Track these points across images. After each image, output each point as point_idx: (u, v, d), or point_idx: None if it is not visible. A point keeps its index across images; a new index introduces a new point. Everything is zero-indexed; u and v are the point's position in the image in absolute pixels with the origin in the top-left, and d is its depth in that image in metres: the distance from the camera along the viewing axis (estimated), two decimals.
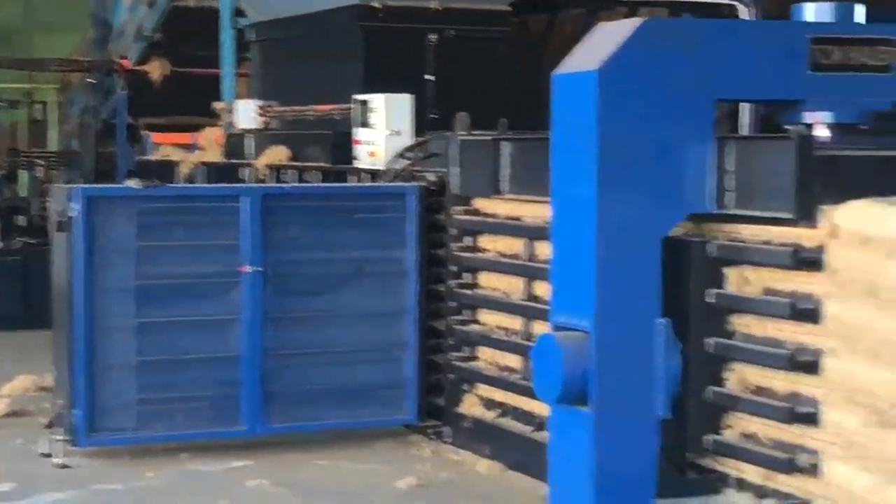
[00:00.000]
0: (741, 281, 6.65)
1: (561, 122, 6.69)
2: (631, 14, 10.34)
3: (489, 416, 8.43)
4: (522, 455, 7.78)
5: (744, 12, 10.56)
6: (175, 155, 12.62)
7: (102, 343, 8.18)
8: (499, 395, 8.37)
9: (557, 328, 6.67)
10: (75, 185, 9.15)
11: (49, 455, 8.20)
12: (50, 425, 8.46)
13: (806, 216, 6.24)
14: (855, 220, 6.05)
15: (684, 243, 6.74)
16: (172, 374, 8.35)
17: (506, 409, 8.29)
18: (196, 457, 8.28)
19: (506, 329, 8.37)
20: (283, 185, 10.31)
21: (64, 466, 8.07)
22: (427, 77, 10.38)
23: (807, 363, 6.25)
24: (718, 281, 6.71)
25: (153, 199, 8.49)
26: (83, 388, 8.10)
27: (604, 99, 6.36)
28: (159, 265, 8.33)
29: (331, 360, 8.70)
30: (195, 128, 13.07)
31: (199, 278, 8.42)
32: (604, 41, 6.59)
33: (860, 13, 7.17)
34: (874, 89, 6.87)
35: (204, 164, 12.08)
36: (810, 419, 6.24)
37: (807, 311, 6.24)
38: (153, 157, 13.24)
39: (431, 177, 9.02)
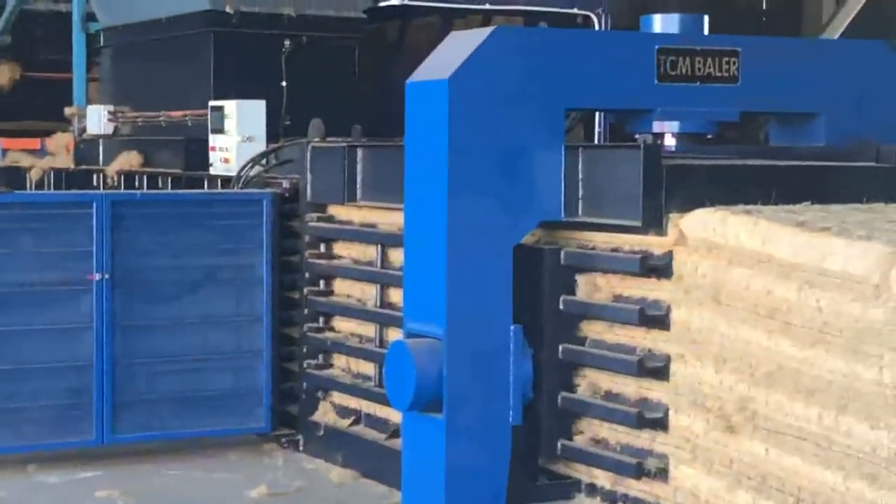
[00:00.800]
0: (592, 288, 6.73)
1: (413, 130, 6.74)
2: (485, 23, 10.40)
3: (343, 423, 8.43)
4: (376, 462, 7.80)
5: (597, 23, 10.67)
6: (24, 160, 12.46)
7: None
8: (353, 403, 8.39)
9: (410, 335, 6.71)
10: None
11: None
12: None
13: (654, 224, 6.34)
14: (701, 228, 6.20)
15: (537, 251, 6.79)
16: (19, 383, 8.20)
17: (360, 417, 8.31)
18: (44, 468, 8.17)
19: (360, 336, 8.38)
20: (134, 191, 10.14)
21: None
22: (281, 83, 10.34)
23: (655, 369, 6.37)
24: (570, 288, 6.78)
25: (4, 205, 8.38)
26: None
27: (454, 108, 6.42)
28: (6, 272, 8.19)
29: (182, 367, 8.62)
30: (45, 133, 12.92)
31: (48, 286, 8.30)
32: (455, 50, 6.66)
33: (706, 25, 7.31)
34: (720, 99, 7.01)
35: (54, 169, 11.90)
36: (659, 424, 6.38)
37: (655, 318, 6.36)
38: (1, 162, 13.03)
39: (285, 183, 8.99)
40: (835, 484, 5.45)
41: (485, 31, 6.66)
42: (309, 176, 8.72)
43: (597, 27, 10.59)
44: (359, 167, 8.25)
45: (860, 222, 5.87)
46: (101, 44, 12.74)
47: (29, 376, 8.20)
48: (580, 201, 6.65)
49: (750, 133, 7.49)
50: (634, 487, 6.48)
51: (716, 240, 6.07)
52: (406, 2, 10.24)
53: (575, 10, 10.81)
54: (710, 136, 7.09)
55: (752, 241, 5.89)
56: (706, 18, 7.32)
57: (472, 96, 6.46)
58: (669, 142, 6.95)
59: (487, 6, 10.80)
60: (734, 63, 6.96)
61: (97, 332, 8.31)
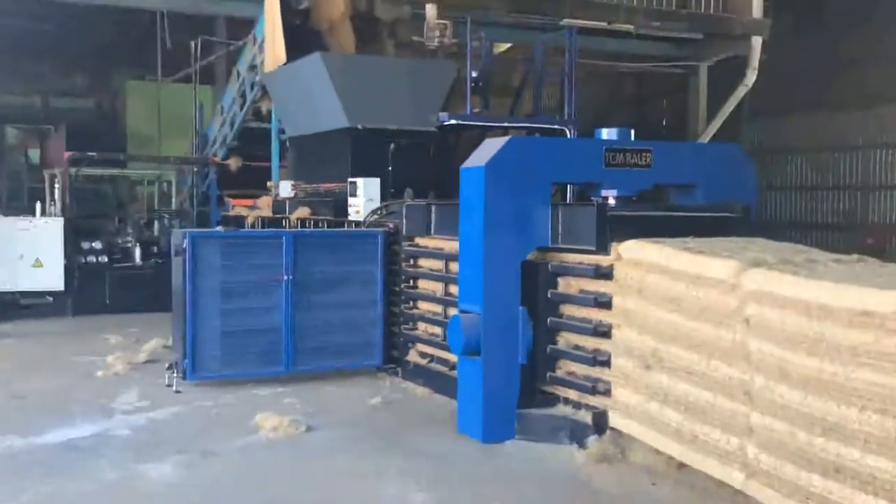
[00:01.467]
0: (566, 285, 6.61)
1: (465, 194, 6.64)
2: (505, 134, 10.33)
3: (423, 361, 8.29)
4: (443, 384, 7.67)
5: (569, 133, 10.56)
6: (244, 212, 12.50)
7: (200, 320, 7.97)
8: (429, 350, 8.25)
9: (462, 311, 6.62)
10: (185, 230, 8.95)
11: (170, 385, 8.04)
12: (170, 367, 8.25)
13: (602, 249, 6.25)
14: (629, 251, 6.10)
15: (535, 264, 6.64)
16: (241, 339, 8.08)
17: (433, 358, 8.16)
18: (255, 386, 8.09)
19: (433, 312, 8.23)
20: (306, 229, 10.07)
21: (178, 392, 7.90)
22: (388, 168, 10.21)
23: (604, 332, 6.26)
24: (554, 285, 6.64)
25: (230, 237, 8.34)
26: (190, 346, 7.92)
27: (487, 182, 6.35)
28: (234, 275, 8.07)
29: (332, 329, 8.40)
30: (256, 196, 12.92)
31: (256, 284, 8.14)
32: (489, 148, 6.57)
33: (632, 134, 7.19)
34: (640, 177, 6.85)
35: (260, 217, 11.94)
36: (606, 363, 6.27)
37: (604, 303, 6.25)
38: (231, 213, 13.08)
39: (391, 225, 8.85)
40: (710, 398, 5.35)
41: (505, 139, 6.64)
42: (404, 220, 8.57)
43: (569, 135, 10.41)
44: (432, 215, 8.15)
45: (724, 248, 5.74)
46: (288, 145, 12.76)
47: (249, 334, 8.08)
48: (560, 235, 6.54)
49: (660, 196, 7.31)
50: (591, 400, 6.37)
51: (638, 258, 5.99)
52: (457, 122, 10.12)
53: (556, 126, 10.68)
54: (634, 199, 6.93)
55: (659, 259, 5.79)
56: (632, 131, 7.18)
57: (498, 176, 6.38)
58: (612, 201, 6.78)
59: (506, 124, 10.70)
60: (649, 156, 6.85)
61: (285, 310, 8.21)
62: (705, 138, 15.49)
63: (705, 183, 7.01)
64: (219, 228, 9.25)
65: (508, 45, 15.18)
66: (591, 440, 6.11)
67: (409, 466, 5.88)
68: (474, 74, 10.51)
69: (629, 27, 14.07)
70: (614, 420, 6.15)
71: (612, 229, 6.25)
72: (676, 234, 6.15)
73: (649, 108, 23.04)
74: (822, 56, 18.42)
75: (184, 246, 7.95)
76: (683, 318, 5.57)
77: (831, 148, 19.87)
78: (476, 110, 10.49)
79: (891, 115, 18.46)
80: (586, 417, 6.27)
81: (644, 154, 6.81)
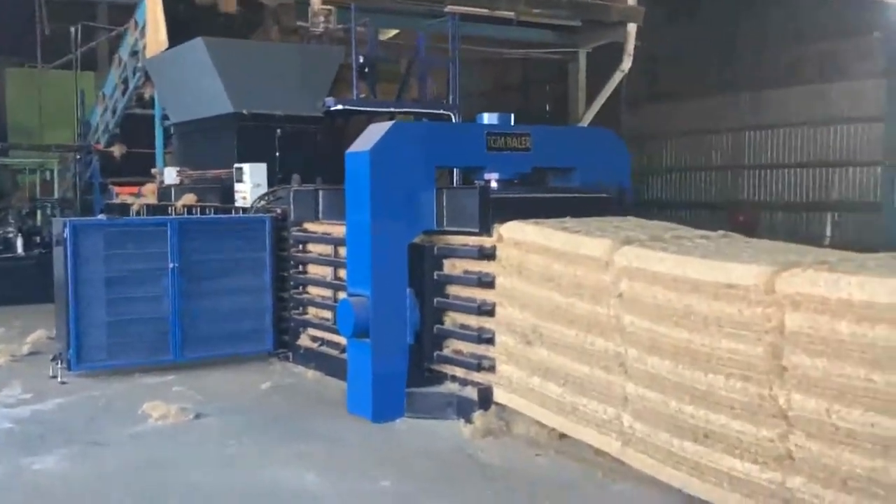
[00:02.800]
0: (452, 267, 6.67)
1: (350, 179, 6.62)
2: (391, 119, 10.34)
3: (314, 346, 8.25)
4: (334, 367, 7.62)
5: (453, 118, 10.64)
6: (129, 200, 12.18)
7: (84, 310, 7.78)
8: (319, 333, 8.22)
9: (351, 295, 6.62)
10: (66, 218, 8.64)
11: (55, 377, 7.81)
12: (55, 359, 7.98)
13: (485, 230, 6.31)
14: (510, 232, 6.19)
15: (421, 246, 6.69)
16: (128, 328, 7.93)
17: (323, 342, 8.14)
18: (144, 375, 7.94)
19: (322, 296, 8.21)
20: (192, 216, 9.83)
21: (63, 383, 7.69)
22: (275, 154, 10.11)
23: (487, 310, 6.34)
24: (440, 266, 6.70)
25: (112, 225, 8.10)
26: (74, 336, 7.74)
27: (373, 167, 6.35)
28: (118, 264, 7.89)
29: (221, 317, 8.31)
30: (140, 183, 12.59)
31: (142, 272, 8.00)
32: (373, 134, 6.56)
33: (512, 119, 7.28)
34: (521, 161, 6.96)
35: (145, 204, 11.65)
36: (490, 341, 6.35)
37: (487, 282, 6.32)
38: (116, 201, 12.71)
39: (279, 210, 8.76)
40: (587, 371, 5.47)
41: (389, 124, 6.63)
42: (292, 206, 8.49)
43: (453, 121, 10.47)
44: (320, 200, 8.12)
45: (599, 227, 5.90)
46: (172, 132, 12.49)
47: (136, 323, 7.95)
48: (445, 218, 6.59)
49: (540, 179, 7.42)
50: (477, 376, 6.45)
51: (519, 238, 6.09)
52: (344, 108, 10.09)
53: (441, 111, 10.73)
54: (515, 182, 7.02)
55: (538, 239, 5.90)
56: (512, 116, 7.27)
57: (383, 160, 6.38)
58: (494, 185, 6.87)
59: (392, 109, 10.67)
60: (528, 140, 6.96)
61: (172, 297, 8.07)
62: (584, 123, 15.82)
63: (582, 166, 7.15)
64: (101, 217, 8.96)
65: (395, 31, 15.19)
66: (477, 415, 6.18)
67: (301, 449, 5.85)
68: (360, 60, 10.47)
69: (510, 14, 14.22)
70: (499, 395, 6.25)
71: (494, 211, 6.31)
72: (556, 215, 6.26)
73: (533, 93, 23.41)
74: (697, 42, 19.05)
75: (64, 235, 7.71)
76: (561, 294, 5.69)
77: (705, 131, 20.59)
78: (362, 96, 10.45)
79: (761, 98, 19.25)
80: (472, 393, 6.36)
81: (523, 138, 6.90)
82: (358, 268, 6.60)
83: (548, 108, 22.16)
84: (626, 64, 15.20)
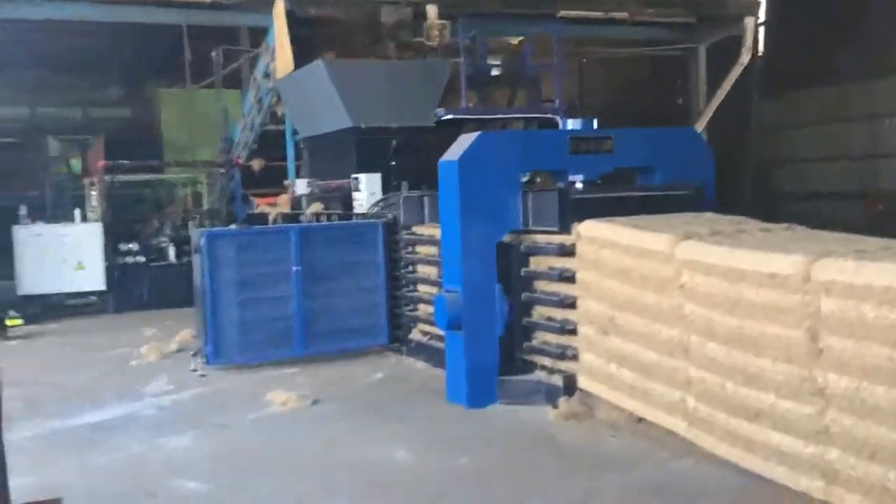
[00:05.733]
0: (537, 263, 7.12)
1: (443, 185, 7.16)
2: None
3: (423, 339, 8.78)
4: (440, 359, 7.91)
5: (560, 122, 10.94)
6: (267, 209, 13.05)
7: (219, 311, 8.59)
8: (427, 328, 8.71)
9: (446, 291, 7.14)
10: (202, 229, 9.51)
11: (195, 370, 8.69)
12: (195, 354, 8.91)
13: (565, 229, 6.72)
14: (587, 230, 6.59)
15: (508, 245, 7.13)
16: (257, 326, 8.67)
17: (431, 336, 8.62)
18: (272, 368, 8.66)
19: (429, 293, 8.60)
20: (313, 223, 10.54)
21: (202, 376, 8.53)
22: (389, 163, 10.68)
23: (570, 303, 6.76)
24: (527, 263, 7.15)
25: (241, 234, 8.97)
26: (210, 334, 8.57)
27: (461, 174, 6.89)
28: (247, 269, 8.66)
29: (341, 314, 8.95)
30: (276, 194, 13.43)
31: (269, 275, 8.72)
32: (462, 143, 7.10)
33: (595, 124, 7.68)
34: (602, 162, 7.36)
35: (280, 213, 12.47)
36: (572, 332, 6.77)
37: (568, 277, 6.74)
38: (256, 211, 13.64)
39: (391, 216, 9.31)
40: (655, 357, 5.88)
41: (476, 134, 7.12)
42: (402, 211, 8.99)
43: (559, 124, 10.73)
44: (426, 205, 8.60)
45: (668, 224, 6.27)
46: (302, 146, 13.33)
47: (264, 322, 8.67)
48: (529, 219, 7.03)
49: (626, 178, 7.79)
50: (562, 365, 6.90)
51: (593, 236, 6.52)
52: (453, 117, 10.62)
53: (546, 116, 11.12)
54: (598, 182, 7.40)
55: (610, 236, 6.31)
56: (595, 120, 7.66)
57: (470, 168, 6.90)
58: (579, 185, 7.28)
59: (496, 116, 11.13)
60: (609, 143, 7.36)
61: (296, 298, 8.77)
62: (705, 118, 15.88)
63: (663, 165, 7.47)
64: (233, 227, 9.90)
65: (520, 38, 15.70)
66: (562, 401, 6.66)
67: (398, 429, 6.53)
68: (470, 71, 11.06)
69: (623, 15, 14.52)
70: (581, 382, 6.71)
71: (573, 211, 6.74)
72: (634, 213, 6.62)
73: (662, 90, 23.37)
74: (830, 29, 18.69)
75: (201, 244, 8.63)
76: (632, 287, 6.12)
77: (839, 119, 20.11)
78: (470, 105, 11.05)
79: None
80: (558, 381, 6.83)
81: (605, 141, 7.32)
82: (451, 266, 7.17)
83: (680, 101, 22.12)
84: (745, 58, 15.21)
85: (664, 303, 5.85)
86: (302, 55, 11.93)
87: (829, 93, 19.82)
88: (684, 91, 19.41)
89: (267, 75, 13.72)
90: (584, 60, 21.08)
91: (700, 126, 15.31)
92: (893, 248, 4.96)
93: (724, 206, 7.21)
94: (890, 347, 4.31)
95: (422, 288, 9.03)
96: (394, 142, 10.89)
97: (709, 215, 6.75)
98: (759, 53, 18.51)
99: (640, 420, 6.22)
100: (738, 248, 5.31)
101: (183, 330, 10.35)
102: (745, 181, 20.22)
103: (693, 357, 5.61)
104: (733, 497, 4.98)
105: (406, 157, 10.83)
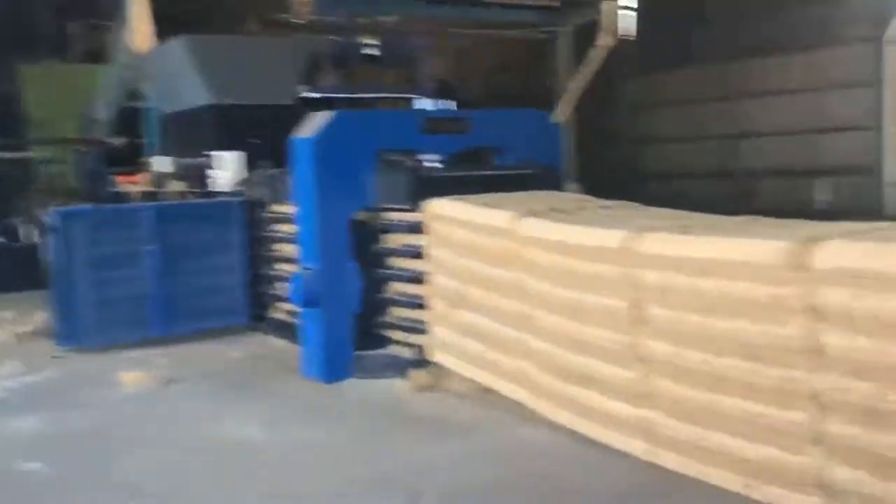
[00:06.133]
0: (391, 240, 7.30)
1: (297, 163, 7.27)
2: (368, 106, 10.78)
3: (284, 318, 8.79)
4: (297, 336, 7.92)
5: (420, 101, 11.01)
6: (128, 187, 12.78)
7: (74, 291, 8.43)
8: (287, 307, 8.60)
9: (303, 269, 7.25)
10: (54, 208, 9.17)
11: (50, 353, 8.49)
12: (49, 336, 8.72)
13: (416, 207, 6.89)
14: (436, 208, 6.78)
15: (363, 223, 7.27)
16: (114, 306, 8.52)
17: (292, 314, 8.46)
18: (129, 349, 8.52)
19: (290, 272, 8.27)
20: (169, 201, 10.47)
21: (56, 357, 8.37)
22: (250, 141, 10.32)
23: (421, 279, 6.96)
24: (380, 240, 7.32)
25: (97, 213, 8.82)
26: (64, 315, 8.44)
27: (315, 152, 7.00)
28: (102, 248, 8.50)
29: (201, 293, 8.87)
30: (137, 172, 13.18)
31: (124, 255, 8.59)
32: (317, 121, 7.19)
33: (454, 105, 7.88)
34: (456, 142, 7.59)
35: (142, 192, 12.20)
36: (424, 306, 6.99)
37: (419, 253, 6.94)
38: (117, 189, 13.29)
39: (252, 194, 9.27)
40: (501, 330, 6.17)
41: (332, 113, 7.23)
42: (261, 189, 9.01)
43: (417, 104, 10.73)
44: (284, 183, 8.37)
45: (514, 201, 6.54)
46: (163, 123, 13.06)
47: (121, 302, 8.54)
48: (382, 196, 7.16)
49: (480, 157, 7.97)
50: (415, 339, 7.11)
51: (443, 213, 6.72)
52: (316, 95, 10.60)
53: (409, 96, 11.15)
54: (454, 161, 7.56)
55: (458, 213, 6.54)
56: (454, 102, 7.87)
57: (325, 146, 7.00)
58: (433, 164, 7.45)
59: (361, 96, 11.11)
60: (463, 124, 7.56)
61: (152, 277, 8.66)
62: (569, 100, 16.29)
63: (516, 145, 7.73)
64: (85, 206, 9.70)
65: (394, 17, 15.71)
66: (414, 373, 6.89)
67: (253, 406, 6.62)
68: (333, 49, 11.05)
69: None
70: (433, 355, 6.94)
71: (424, 189, 6.93)
72: (484, 192, 6.85)
73: (534, 72, 23.82)
74: (694, 11, 19.43)
75: (53, 223, 8.45)
76: (479, 262, 6.36)
77: (702, 99, 20.98)
78: (334, 83, 11.07)
79: (756, 65, 19.61)
80: (411, 354, 7.07)
81: (459, 122, 7.55)
82: (307, 244, 7.27)
83: (548, 84, 22.59)
84: (604, 41, 15.58)
85: (509, 277, 6.11)
86: (164, 31, 11.72)
87: (689, 74, 20.67)
88: (554, 73, 19.88)
89: (128, 51, 13.39)
90: (460, 42, 21.32)
91: (566, 107, 15.71)
92: (717, 224, 5.33)
93: (594, 185, 7.48)
94: (701, 315, 4.66)
95: (282, 266, 9.02)
96: (255, 120, 10.68)
97: (554, 193, 7.07)
98: (625, 36, 19.00)
99: (489, 390, 6.48)
100: (572, 224, 5.61)
101: (40, 312, 10.07)
102: (614, 161, 20.84)
103: (534, 328, 5.89)
104: (567, 460, 5.26)
105: (268, 134, 10.67)
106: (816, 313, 4.10)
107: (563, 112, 14.98)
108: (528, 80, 22.63)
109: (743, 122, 20.40)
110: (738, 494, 4.48)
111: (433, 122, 7.46)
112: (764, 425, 4.39)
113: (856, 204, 15.68)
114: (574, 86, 16.14)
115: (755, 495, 4.45)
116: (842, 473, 4.08)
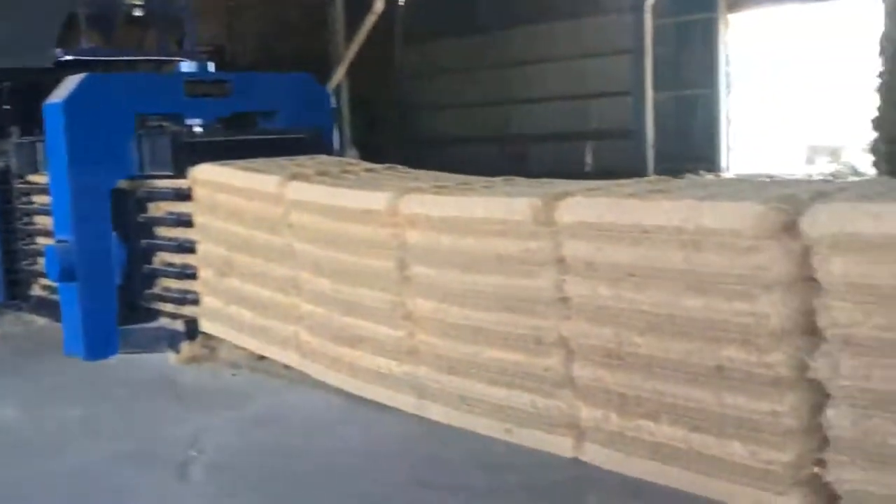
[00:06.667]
0: (156, 209, 7.07)
1: (49, 130, 6.91)
2: (127, 69, 10.34)
3: (45, 294, 8.35)
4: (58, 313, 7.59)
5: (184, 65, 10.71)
6: None
7: None
8: (45, 282, 8.20)
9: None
10: None
11: None
12: None
13: (181, 173, 6.71)
14: (202, 174, 6.66)
15: (125, 191, 7.02)
16: None
17: (53, 290, 7.99)
18: None
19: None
20: None
21: None
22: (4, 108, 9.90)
23: (189, 248, 6.82)
24: (145, 210, 7.09)
25: None
26: None
27: (67, 117, 6.66)
28: None
29: None
30: None
31: None
32: (69, 85, 6.86)
33: (212, 67, 7.74)
34: (221, 106, 7.46)
35: None
36: (193, 276, 6.85)
37: (186, 221, 6.78)
38: None
39: (2, 164, 8.74)
40: (270, 295, 6.16)
41: (82, 76, 6.90)
42: (14, 159, 8.54)
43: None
44: (39, 152, 8.10)
45: (280, 166, 6.49)
46: None
47: None
48: (144, 163, 6.94)
49: (249, 122, 7.89)
50: (184, 310, 6.96)
51: (208, 179, 6.60)
52: (75, 58, 10.05)
53: (177, 59, 10.78)
54: (219, 126, 7.46)
55: (223, 179, 6.46)
56: (212, 63, 7.73)
57: (78, 111, 6.69)
58: (198, 129, 7.30)
59: (124, 58, 10.65)
60: (228, 87, 7.46)
61: None
62: (343, 66, 16.36)
63: (284, 109, 7.66)
64: None
65: None
66: (184, 345, 6.75)
67: (9, 386, 6.30)
68: (94, 8, 10.49)
69: None
70: (203, 325, 6.83)
71: (189, 155, 6.76)
72: (252, 157, 6.75)
73: (314, 35, 23.66)
74: None
75: None
76: (246, 228, 6.32)
77: (476, 67, 21.60)
78: (95, 45, 10.53)
79: (525, 33, 20.36)
80: (180, 326, 6.89)
81: (223, 85, 7.39)
82: (61, 215, 6.93)
83: (326, 48, 22.50)
84: (379, 6, 15.78)
85: (276, 242, 6.10)
86: None
87: (467, 41, 21.24)
88: (331, 38, 19.83)
89: None
90: (232, 4, 20.88)
91: (340, 72, 15.77)
92: (471, 184, 5.55)
93: (374, 151, 7.49)
94: (461, 272, 4.86)
95: (40, 240, 8.51)
96: (6, 84, 10.05)
97: (321, 157, 7.08)
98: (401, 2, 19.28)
99: (261, 358, 6.47)
100: (338, 188, 5.67)
101: None
102: (392, 127, 21.16)
103: (304, 293, 5.93)
104: (339, 420, 5.36)
105: (20, 100, 10.02)
106: (562, 265, 4.38)
107: (337, 77, 15.06)
108: (306, 45, 22.53)
109: (515, 89, 21.31)
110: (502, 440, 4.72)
111: (193, 86, 7.24)
112: (520, 373, 4.66)
113: (621, 165, 16.76)
114: (349, 51, 16.28)
115: (515, 439, 4.72)
116: (590, 413, 4.40)
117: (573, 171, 11.60)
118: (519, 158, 19.75)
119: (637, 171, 14.40)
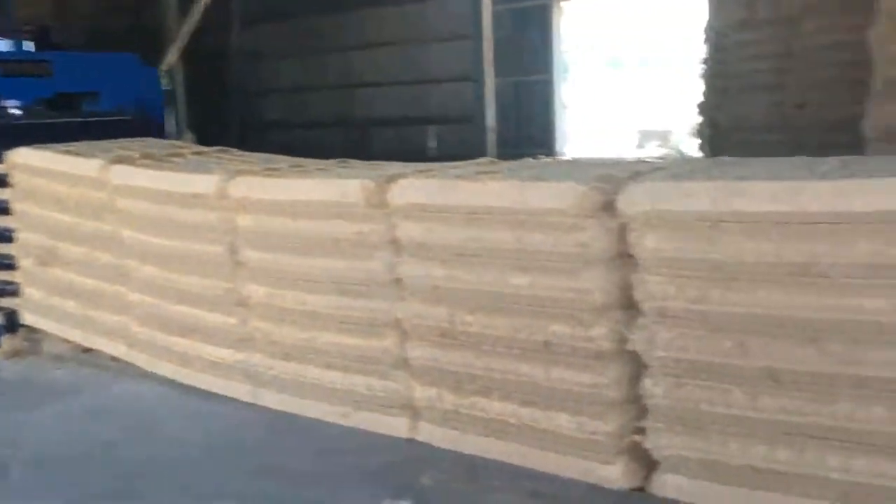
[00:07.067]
0: None
1: None
2: None
3: None
4: None
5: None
6: None
7: None
8: None
9: None
10: None
11: None
12: None
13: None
14: (20, 158, 6.34)
15: None
16: None
17: None
18: None
19: None
20: None
21: None
22: None
23: (8, 237, 6.50)
24: None
25: None
26: None
27: None
28: None
29: None
30: None
31: None
32: None
33: (31, 46, 7.39)
34: (41, 86, 7.16)
35: None
36: (13, 267, 6.53)
37: (3, 209, 6.47)
38: None
39: None
40: (96, 285, 5.92)
41: None
42: None
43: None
44: None
45: (102, 149, 6.23)
46: None
47: None
48: None
49: (73, 104, 7.57)
50: (4, 302, 6.60)
51: (27, 163, 6.24)
52: None
53: None
54: (39, 107, 7.16)
55: (42, 163, 6.14)
56: (32, 43, 7.39)
57: None
58: (16, 111, 6.97)
59: None
60: (47, 67, 7.15)
61: None
62: (177, 46, 15.86)
63: (108, 90, 7.45)
64: None
65: None
66: (5, 339, 6.43)
67: None
68: None
69: None
70: (26, 317, 6.52)
71: (7, 139, 6.47)
72: (76, 139, 6.51)
73: (145, 15, 22.83)
74: None
75: None
76: (69, 215, 6.04)
77: (317, 50, 21.38)
78: None
79: (365, 17, 20.29)
80: (1, 319, 6.58)
81: (39, 65, 7.06)
82: None
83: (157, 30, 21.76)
84: None
85: (101, 229, 5.87)
86: None
87: (305, 24, 20.98)
88: (163, 20, 19.18)
89: None
90: None
91: (173, 52, 15.27)
92: (306, 167, 5.49)
93: (212, 135, 7.29)
94: (294, 256, 4.81)
95: None
96: None
97: (148, 140, 6.87)
98: None
99: (88, 350, 6.23)
100: (164, 171, 5.50)
101: None
102: (232, 112, 20.72)
103: (132, 281, 5.74)
104: (169, 411, 5.22)
105: None
106: (396, 247, 4.40)
107: (170, 58, 14.59)
108: (138, 26, 21.72)
109: (359, 73, 21.24)
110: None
111: (9, 66, 6.87)
112: (355, 356, 4.66)
113: (462, 149, 16.98)
114: (181, 33, 15.78)
115: (352, 423, 4.72)
116: (424, 392, 4.45)
117: (416, 156, 11.68)
118: (362, 143, 19.70)
119: (478, 155, 14.61)
